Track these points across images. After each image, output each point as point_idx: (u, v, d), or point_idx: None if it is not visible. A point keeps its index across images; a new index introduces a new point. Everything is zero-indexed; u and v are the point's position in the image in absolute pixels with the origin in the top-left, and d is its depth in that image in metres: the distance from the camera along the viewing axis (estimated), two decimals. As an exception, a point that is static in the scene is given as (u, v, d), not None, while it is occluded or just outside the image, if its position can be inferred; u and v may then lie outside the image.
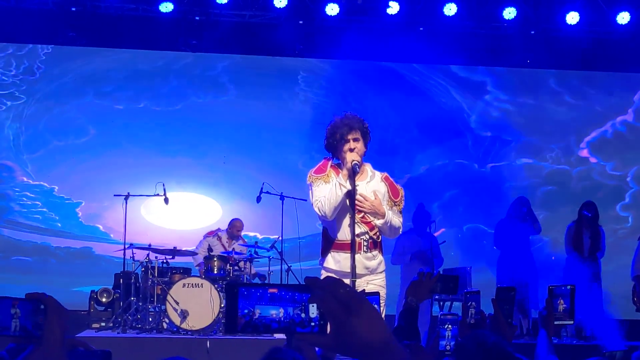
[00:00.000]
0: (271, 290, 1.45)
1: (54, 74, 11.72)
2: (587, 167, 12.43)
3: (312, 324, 1.44)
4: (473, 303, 3.49)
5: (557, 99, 12.47)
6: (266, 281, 10.04)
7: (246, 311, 1.44)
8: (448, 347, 3.34)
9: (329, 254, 5.28)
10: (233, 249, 9.82)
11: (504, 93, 12.44)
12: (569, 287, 3.50)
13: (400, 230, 5.45)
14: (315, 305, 1.44)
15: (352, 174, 5.06)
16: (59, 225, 11.59)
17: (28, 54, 11.68)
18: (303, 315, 1.44)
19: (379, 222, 5.21)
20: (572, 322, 3.46)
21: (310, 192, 5.29)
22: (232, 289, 1.44)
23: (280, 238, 9.95)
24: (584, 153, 12.48)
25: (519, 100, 12.45)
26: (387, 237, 5.47)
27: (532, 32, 11.71)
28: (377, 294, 3.92)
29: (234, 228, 10.42)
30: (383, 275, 5.34)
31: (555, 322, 3.45)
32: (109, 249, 11.14)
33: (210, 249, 9.85)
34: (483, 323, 3.29)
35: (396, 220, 5.30)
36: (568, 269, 9.49)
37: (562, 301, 3.46)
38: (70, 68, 11.74)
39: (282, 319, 1.44)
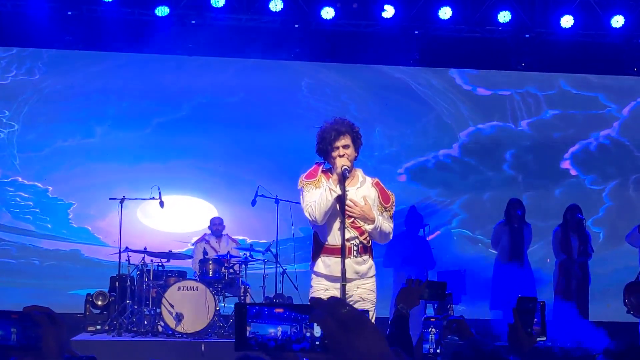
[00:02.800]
0: (277, 310, 1.49)
1: (55, 75, 11.71)
2: (566, 180, 12.35)
3: (316, 342, 1.47)
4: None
5: (550, 110, 12.45)
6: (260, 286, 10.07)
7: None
8: (431, 350, 3.36)
9: (319, 258, 5.31)
10: (228, 251, 9.85)
11: (502, 108, 12.44)
12: (539, 302, 3.49)
13: (391, 235, 5.47)
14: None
15: (342, 179, 5.09)
16: (49, 226, 11.56)
17: (31, 55, 11.68)
18: (308, 333, 1.47)
19: (368, 227, 5.24)
20: (544, 338, 3.45)
21: (301, 197, 5.33)
22: (241, 308, 1.49)
23: (275, 241, 10.00)
24: (566, 164, 12.43)
25: (517, 113, 12.44)
26: (377, 243, 5.51)
27: (527, 36, 11.73)
28: (366, 311, 3.90)
29: (214, 225, 10.47)
30: (373, 279, 5.36)
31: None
32: (103, 252, 11.17)
33: (205, 252, 9.90)
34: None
35: (386, 225, 5.33)
36: (559, 272, 9.54)
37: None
38: (72, 70, 11.73)
39: (280, 337, 1.47)
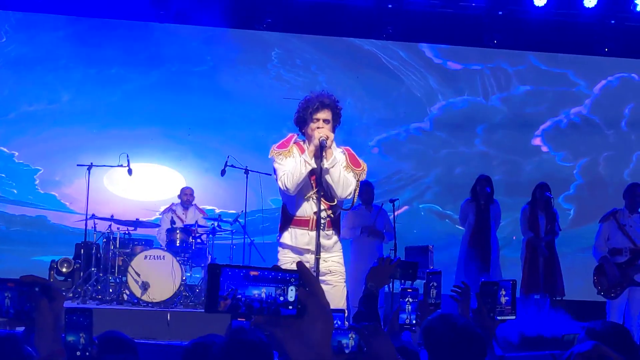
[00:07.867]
0: (253, 272, 1.44)
1: (22, 39, 11.51)
2: (537, 156, 12.39)
3: (292, 306, 1.44)
4: (434, 283, 3.53)
5: (521, 86, 12.47)
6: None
7: (229, 290, 1.42)
8: (408, 321, 3.38)
9: (287, 230, 5.29)
10: (196, 221, 9.78)
11: (473, 83, 12.44)
12: (511, 281, 3.50)
13: (350, 188, 5.19)
14: (293, 288, 1.44)
15: (320, 149, 5.03)
16: (15, 192, 11.41)
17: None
18: (287, 297, 1.44)
19: (327, 164, 5.03)
20: (514, 316, 3.46)
21: (273, 166, 5.28)
22: (215, 269, 1.43)
23: (243, 211, 9.95)
24: (537, 141, 12.46)
25: (488, 88, 12.44)
26: (338, 194, 5.19)
27: (500, 13, 11.73)
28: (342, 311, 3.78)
29: (184, 195, 10.35)
30: (340, 253, 5.36)
31: (498, 318, 3.45)
32: (68, 219, 11.05)
33: (173, 222, 9.83)
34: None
35: (346, 174, 5.15)
36: (526, 250, 9.56)
37: (504, 293, 3.46)
38: (39, 33, 11.52)
39: (265, 299, 1.43)
